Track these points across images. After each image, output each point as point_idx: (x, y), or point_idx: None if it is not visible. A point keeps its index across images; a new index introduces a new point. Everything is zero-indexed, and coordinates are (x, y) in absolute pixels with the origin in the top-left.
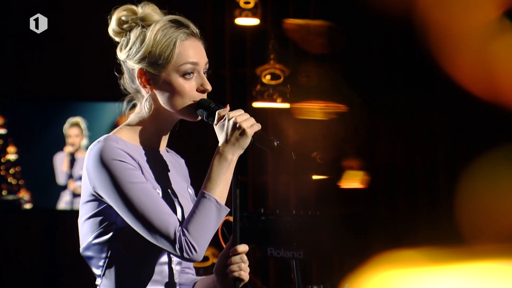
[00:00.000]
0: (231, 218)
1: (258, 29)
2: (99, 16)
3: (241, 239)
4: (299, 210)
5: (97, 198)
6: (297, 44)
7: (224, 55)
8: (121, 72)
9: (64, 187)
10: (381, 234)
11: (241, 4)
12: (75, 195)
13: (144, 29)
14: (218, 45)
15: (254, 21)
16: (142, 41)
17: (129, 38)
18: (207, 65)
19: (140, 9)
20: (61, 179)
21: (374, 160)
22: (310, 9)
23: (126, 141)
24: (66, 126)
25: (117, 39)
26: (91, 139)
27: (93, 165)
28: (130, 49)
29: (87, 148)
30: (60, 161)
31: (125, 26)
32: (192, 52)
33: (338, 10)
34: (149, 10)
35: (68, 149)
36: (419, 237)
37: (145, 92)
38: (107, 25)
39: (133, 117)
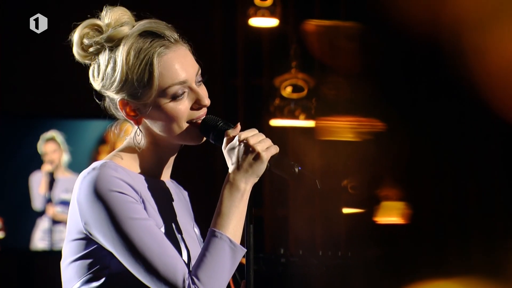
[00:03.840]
0: (244, 261)
1: (277, 31)
2: (82, 19)
3: (256, 285)
4: (326, 250)
5: (87, 237)
6: (323, 50)
7: (235, 63)
8: (102, 97)
9: (42, 213)
10: (426, 279)
11: (257, 1)
12: (55, 222)
13: (112, 53)
14: (229, 51)
15: (272, 22)
16: (114, 69)
17: (99, 64)
18: (200, 71)
19: (106, 19)
20: (37, 203)
21: (417, 190)
22: (339, 9)
23: (127, 169)
24: (40, 143)
25: (86, 61)
26: (73, 154)
27: (86, 197)
28: (102, 79)
29: (68, 166)
30: (37, 182)
31: (91, 49)
32: (177, 67)
33: (373, 9)
34: (117, 16)
35: (46, 167)
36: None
37: (133, 124)
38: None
39: (130, 141)
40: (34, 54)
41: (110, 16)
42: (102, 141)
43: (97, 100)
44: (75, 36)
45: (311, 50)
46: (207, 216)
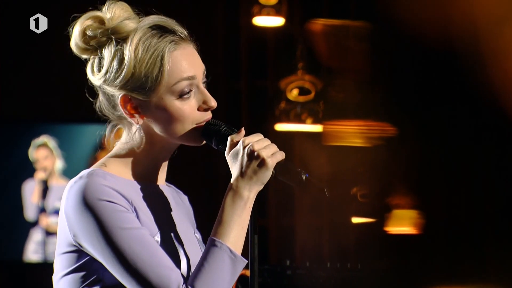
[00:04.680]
0: (248, 272)
1: (282, 31)
2: (77, 17)
3: None
4: (334, 262)
5: (78, 249)
6: (331, 50)
7: (239, 64)
8: (95, 94)
9: (35, 223)
10: None
11: None
12: (48, 233)
13: (119, 46)
14: (232, 51)
15: (277, 21)
16: (121, 62)
17: (102, 57)
18: (205, 72)
19: (108, 14)
20: (30, 213)
21: (430, 198)
22: (348, 7)
23: (117, 176)
24: (31, 150)
25: (84, 56)
26: (69, 161)
27: (74, 207)
28: (106, 72)
29: (64, 172)
30: (30, 191)
31: (92, 42)
32: (186, 64)
33: (383, 9)
34: (119, 12)
35: (39, 175)
36: None
37: (134, 122)
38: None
39: (120, 146)
40: (31, 56)
41: (113, 11)
42: (101, 146)
43: (90, 98)
44: (77, 28)
45: (318, 50)
46: (209, 224)
